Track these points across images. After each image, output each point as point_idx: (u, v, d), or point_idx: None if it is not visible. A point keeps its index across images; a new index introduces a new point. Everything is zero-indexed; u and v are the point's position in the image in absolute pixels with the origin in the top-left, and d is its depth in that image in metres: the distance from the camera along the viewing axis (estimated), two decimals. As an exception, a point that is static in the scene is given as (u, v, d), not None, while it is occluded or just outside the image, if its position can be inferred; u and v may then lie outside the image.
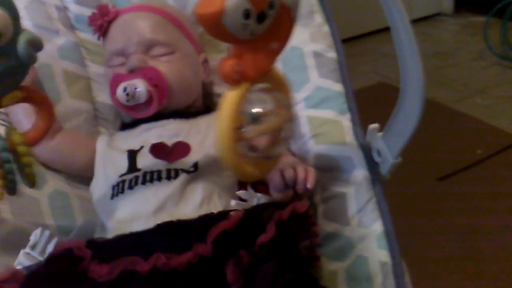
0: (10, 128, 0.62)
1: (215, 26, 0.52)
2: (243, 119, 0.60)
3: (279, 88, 0.65)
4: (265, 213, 0.67)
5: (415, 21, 2.73)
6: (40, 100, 0.63)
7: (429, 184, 1.59)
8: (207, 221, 0.69)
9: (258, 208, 0.72)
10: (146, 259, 0.63)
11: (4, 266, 0.73)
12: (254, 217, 0.68)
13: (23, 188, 0.67)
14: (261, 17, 0.54)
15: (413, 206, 1.45)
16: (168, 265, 0.63)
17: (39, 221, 0.80)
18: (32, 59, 0.57)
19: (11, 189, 0.62)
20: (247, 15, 0.52)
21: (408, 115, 0.66)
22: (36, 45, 0.56)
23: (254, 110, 0.61)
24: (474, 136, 1.80)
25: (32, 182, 0.64)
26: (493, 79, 2.19)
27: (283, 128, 0.65)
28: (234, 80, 0.56)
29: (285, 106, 0.65)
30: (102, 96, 0.97)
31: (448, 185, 1.58)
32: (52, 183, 0.85)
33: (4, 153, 0.59)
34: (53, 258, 0.66)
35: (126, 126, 0.91)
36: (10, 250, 0.75)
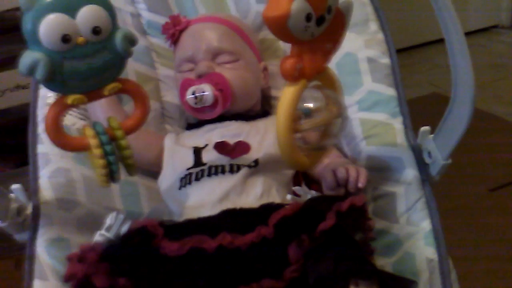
0: (110, 117, 0.69)
1: (281, 27, 0.57)
2: (297, 114, 0.65)
3: (330, 86, 0.70)
4: (323, 204, 0.71)
5: (472, 33, 2.68)
6: (136, 91, 0.69)
7: (481, 194, 1.58)
8: (268, 209, 0.74)
9: (315, 199, 0.76)
10: (213, 238, 0.69)
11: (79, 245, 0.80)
12: (312, 207, 0.72)
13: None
14: (320, 20, 0.60)
15: (464, 215, 1.44)
16: (233, 244, 0.69)
17: (110, 206, 0.87)
18: (129, 53, 0.63)
19: (115, 178, 0.69)
20: (308, 18, 0.58)
21: (458, 118, 0.69)
22: (131, 40, 0.62)
23: (307, 105, 0.67)
24: (529, 149, 1.77)
25: (132, 171, 0.71)
26: (551, 93, 2.15)
27: (333, 122, 0.70)
28: (294, 77, 0.62)
29: (335, 102, 0.70)
30: (169, 96, 1.04)
31: (500, 196, 1.57)
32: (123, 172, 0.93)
33: (107, 146, 0.65)
34: (129, 234, 0.72)
35: (192, 126, 0.98)
36: (85, 231, 0.81)
